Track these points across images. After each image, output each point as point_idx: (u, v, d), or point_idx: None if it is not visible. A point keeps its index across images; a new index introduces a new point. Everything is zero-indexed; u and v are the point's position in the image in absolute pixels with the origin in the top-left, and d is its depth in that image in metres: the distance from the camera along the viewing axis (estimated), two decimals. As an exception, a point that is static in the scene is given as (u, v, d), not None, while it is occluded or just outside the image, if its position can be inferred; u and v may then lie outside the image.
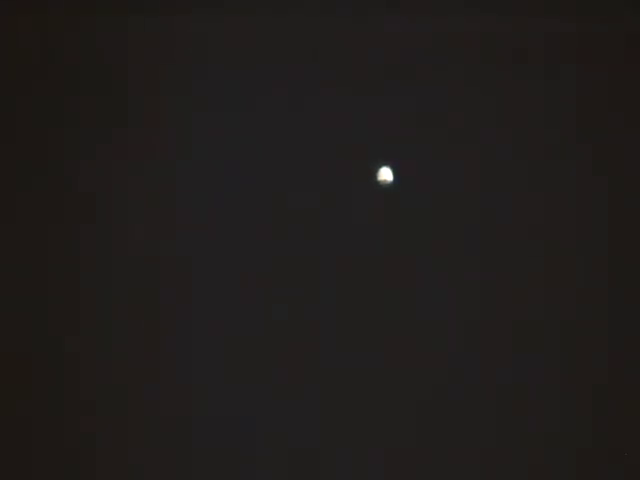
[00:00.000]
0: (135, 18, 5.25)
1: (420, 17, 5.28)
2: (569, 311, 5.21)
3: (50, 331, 5.15)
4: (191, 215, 5.26)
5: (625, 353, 5.18)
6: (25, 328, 5.15)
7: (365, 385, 5.19)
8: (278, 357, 5.20)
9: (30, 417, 5.10)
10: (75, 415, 5.12)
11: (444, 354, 5.20)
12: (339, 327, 5.23)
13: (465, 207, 5.27)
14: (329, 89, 5.32)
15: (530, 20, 5.27)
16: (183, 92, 5.30)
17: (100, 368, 5.15)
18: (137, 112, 5.27)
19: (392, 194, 5.28)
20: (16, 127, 5.25)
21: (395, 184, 5.28)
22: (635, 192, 5.27)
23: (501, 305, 5.22)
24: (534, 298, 5.22)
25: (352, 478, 5.12)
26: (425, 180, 5.29)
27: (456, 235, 5.26)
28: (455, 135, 5.30)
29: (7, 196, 5.22)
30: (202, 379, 5.17)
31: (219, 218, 5.27)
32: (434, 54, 5.30)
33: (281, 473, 5.13)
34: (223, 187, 5.28)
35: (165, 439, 5.12)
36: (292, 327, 5.22)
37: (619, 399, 5.15)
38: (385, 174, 5.27)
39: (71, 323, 5.17)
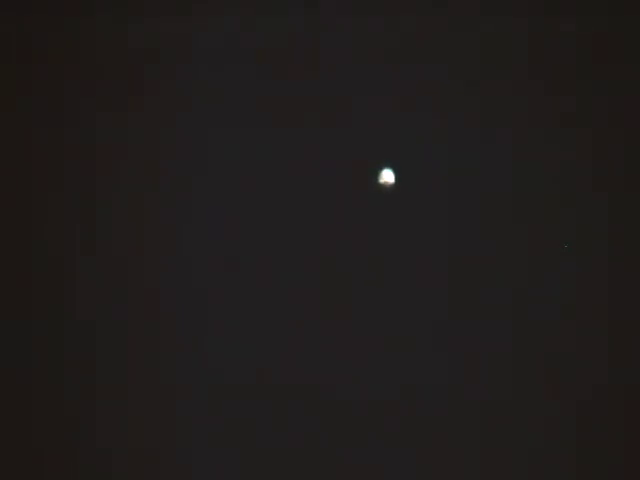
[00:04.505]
0: (135, 18, 5.26)
1: (421, 17, 5.28)
2: (569, 311, 5.22)
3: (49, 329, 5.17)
4: (191, 215, 5.26)
5: (625, 352, 5.19)
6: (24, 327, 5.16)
7: (365, 386, 5.20)
8: (276, 361, 5.21)
9: (30, 417, 5.12)
10: (75, 413, 5.13)
11: (444, 354, 5.21)
12: (338, 327, 5.23)
13: (465, 207, 5.28)
14: (329, 88, 5.32)
15: (530, 20, 5.27)
16: (183, 92, 5.30)
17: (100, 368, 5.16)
18: (138, 111, 5.28)
19: (393, 195, 5.28)
20: (15, 126, 5.26)
21: (396, 185, 5.28)
22: (635, 191, 5.28)
23: (500, 305, 5.23)
24: (534, 297, 5.23)
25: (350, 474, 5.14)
26: (425, 180, 5.29)
27: (456, 235, 5.27)
28: (455, 135, 5.30)
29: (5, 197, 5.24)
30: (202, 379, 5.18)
31: (218, 219, 5.27)
32: (435, 54, 5.31)
33: (281, 470, 5.14)
34: (223, 187, 5.28)
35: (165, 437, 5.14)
36: (291, 328, 5.22)
37: (619, 399, 5.16)
38: (386, 176, 5.27)
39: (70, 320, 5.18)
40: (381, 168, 5.29)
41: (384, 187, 5.29)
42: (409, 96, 5.32)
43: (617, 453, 5.12)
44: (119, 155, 5.27)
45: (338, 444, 5.16)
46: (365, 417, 5.18)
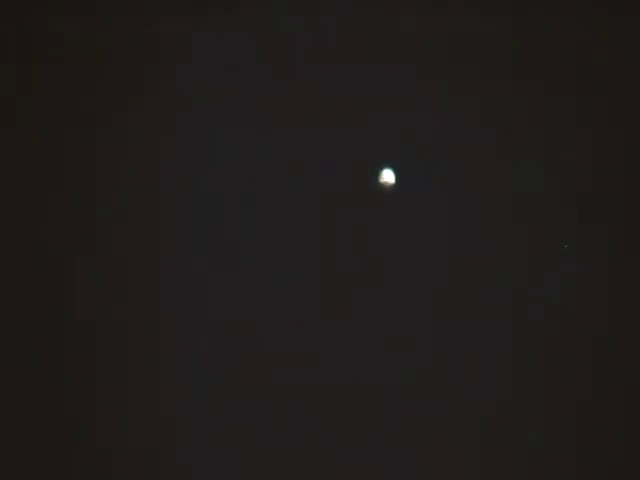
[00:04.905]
0: (135, 19, 5.26)
1: (421, 17, 5.28)
2: (569, 311, 5.22)
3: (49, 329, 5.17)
4: (191, 215, 5.26)
5: (625, 352, 5.19)
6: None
7: (365, 386, 5.20)
8: (276, 361, 5.21)
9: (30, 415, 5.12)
10: (75, 411, 5.13)
11: (444, 354, 5.21)
12: (338, 327, 5.23)
13: (465, 207, 5.28)
14: (329, 88, 5.32)
15: (530, 20, 5.27)
16: (183, 92, 5.30)
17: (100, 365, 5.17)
18: (138, 111, 5.28)
19: (393, 195, 5.28)
20: (16, 126, 5.26)
21: (397, 185, 5.28)
22: (635, 191, 5.28)
23: (500, 305, 5.23)
24: (534, 297, 5.23)
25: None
26: (425, 180, 5.29)
27: (456, 235, 5.27)
28: (455, 135, 5.30)
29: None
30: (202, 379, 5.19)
31: (218, 219, 5.27)
32: (435, 54, 5.31)
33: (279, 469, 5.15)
34: (223, 187, 5.28)
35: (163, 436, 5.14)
36: (291, 328, 5.22)
37: (619, 399, 5.16)
38: (387, 176, 5.27)
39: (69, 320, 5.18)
40: (381, 168, 5.29)
41: (384, 187, 5.29)
42: (409, 96, 5.32)
43: (617, 453, 5.12)
44: (119, 155, 5.27)
45: (338, 444, 5.16)
46: (365, 417, 5.18)
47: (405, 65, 5.31)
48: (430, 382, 5.19)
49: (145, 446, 5.13)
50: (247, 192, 5.29)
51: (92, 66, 5.28)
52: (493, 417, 5.16)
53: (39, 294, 5.19)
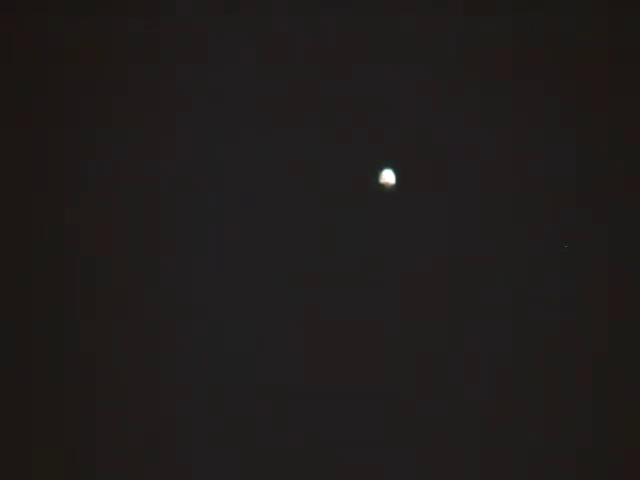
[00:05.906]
0: (135, 19, 5.26)
1: (421, 17, 5.28)
2: (569, 311, 5.22)
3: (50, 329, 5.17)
4: (191, 215, 5.26)
5: (625, 352, 5.19)
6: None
7: (365, 385, 5.20)
8: (276, 361, 5.21)
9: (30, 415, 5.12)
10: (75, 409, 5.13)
11: (445, 354, 5.21)
12: (338, 327, 5.23)
13: (465, 207, 5.28)
14: (329, 88, 5.32)
15: (530, 20, 5.27)
16: (183, 92, 5.30)
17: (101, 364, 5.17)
18: (138, 111, 5.28)
19: (393, 195, 5.28)
20: (16, 127, 5.26)
21: (396, 185, 5.28)
22: (635, 191, 5.28)
23: (500, 305, 5.23)
24: (534, 297, 5.23)
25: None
26: (425, 180, 5.29)
27: (456, 235, 5.27)
28: (455, 135, 5.30)
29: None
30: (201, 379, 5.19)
31: (218, 219, 5.27)
32: (435, 54, 5.31)
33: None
34: (223, 187, 5.28)
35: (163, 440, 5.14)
36: (291, 328, 5.22)
37: (619, 399, 5.16)
38: (387, 177, 5.27)
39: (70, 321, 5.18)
40: (381, 168, 5.29)
41: (384, 187, 5.29)
42: (409, 96, 5.32)
43: (617, 453, 5.12)
44: (119, 155, 5.27)
45: (338, 444, 5.16)
46: (365, 417, 5.18)
47: (405, 65, 5.31)
48: (430, 382, 5.19)
49: (145, 446, 5.13)
50: (247, 192, 5.29)
51: (92, 66, 5.28)
52: (493, 417, 5.17)
53: (39, 294, 5.19)
